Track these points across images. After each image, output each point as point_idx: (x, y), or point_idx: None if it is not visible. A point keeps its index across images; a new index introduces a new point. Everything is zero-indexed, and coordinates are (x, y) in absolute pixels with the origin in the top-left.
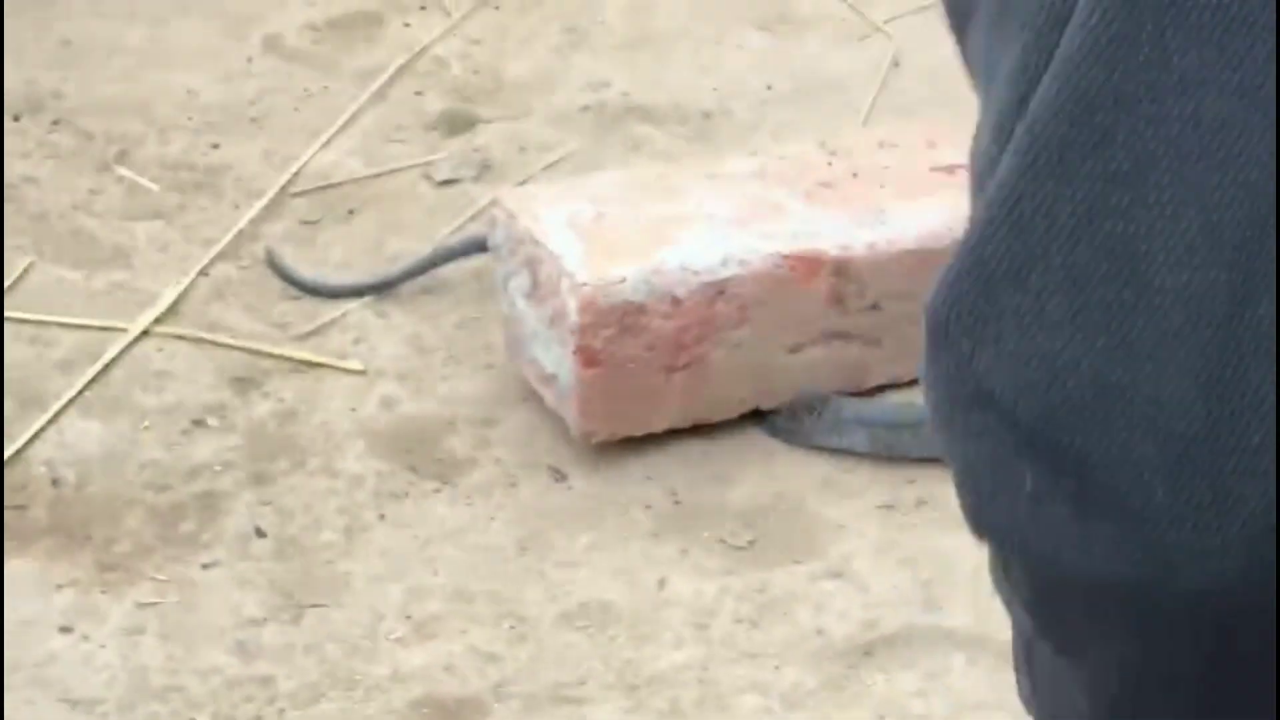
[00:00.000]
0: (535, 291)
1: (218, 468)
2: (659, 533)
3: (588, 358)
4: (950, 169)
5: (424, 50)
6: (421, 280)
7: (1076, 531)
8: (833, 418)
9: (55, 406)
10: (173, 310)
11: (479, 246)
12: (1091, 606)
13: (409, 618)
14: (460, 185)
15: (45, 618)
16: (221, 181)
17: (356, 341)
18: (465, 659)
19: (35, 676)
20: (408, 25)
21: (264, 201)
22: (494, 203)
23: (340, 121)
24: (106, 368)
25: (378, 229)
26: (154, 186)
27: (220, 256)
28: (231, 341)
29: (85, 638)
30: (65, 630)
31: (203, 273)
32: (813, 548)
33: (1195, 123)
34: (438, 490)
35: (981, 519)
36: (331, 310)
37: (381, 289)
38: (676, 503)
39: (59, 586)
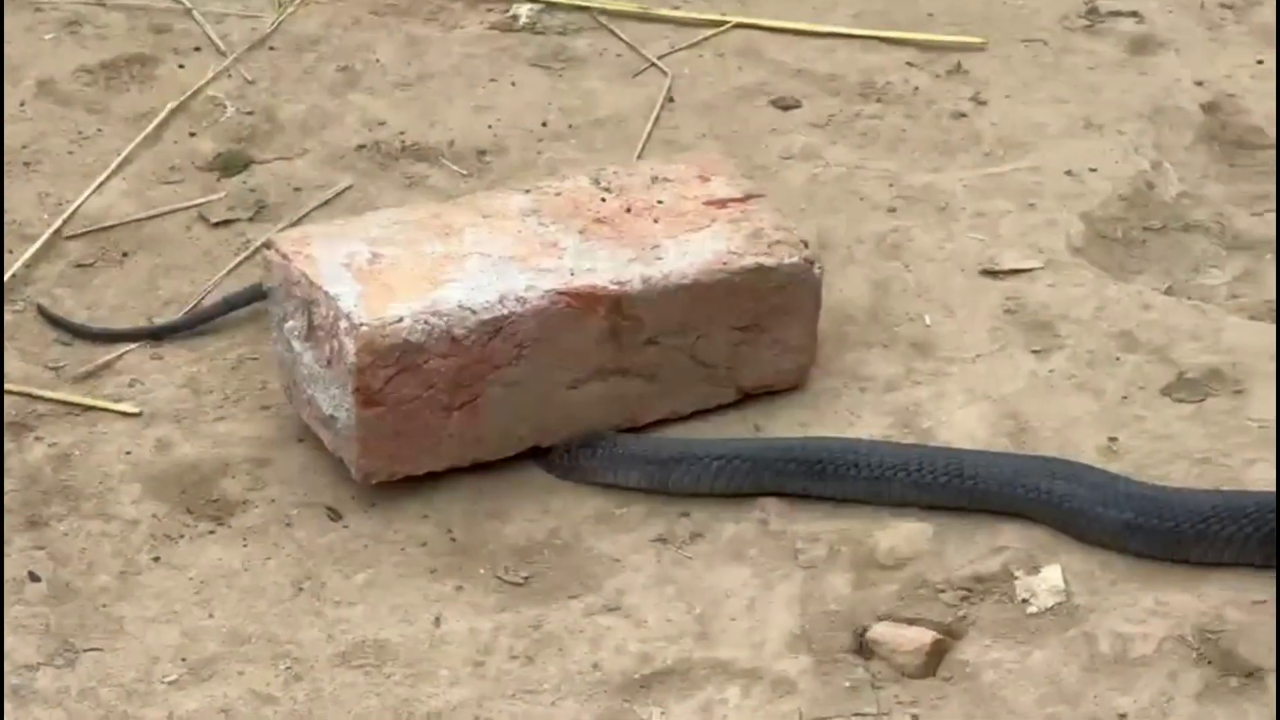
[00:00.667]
0: (312, 333)
1: None
2: (435, 570)
3: (367, 398)
4: (723, 203)
5: (198, 91)
6: None
7: None
8: (608, 454)
9: None
10: None
11: (260, 295)
12: None
13: (184, 660)
14: (236, 225)
15: None
16: None
17: (132, 384)
18: (242, 701)
19: None
20: (182, 67)
21: (37, 245)
22: (268, 245)
23: (114, 164)
24: None
25: (152, 271)
26: None
27: None
28: (4, 386)
29: None
30: None
31: None
32: (588, 583)
33: None
34: (213, 532)
35: None
36: (106, 353)
37: (158, 336)
38: (453, 540)
39: None
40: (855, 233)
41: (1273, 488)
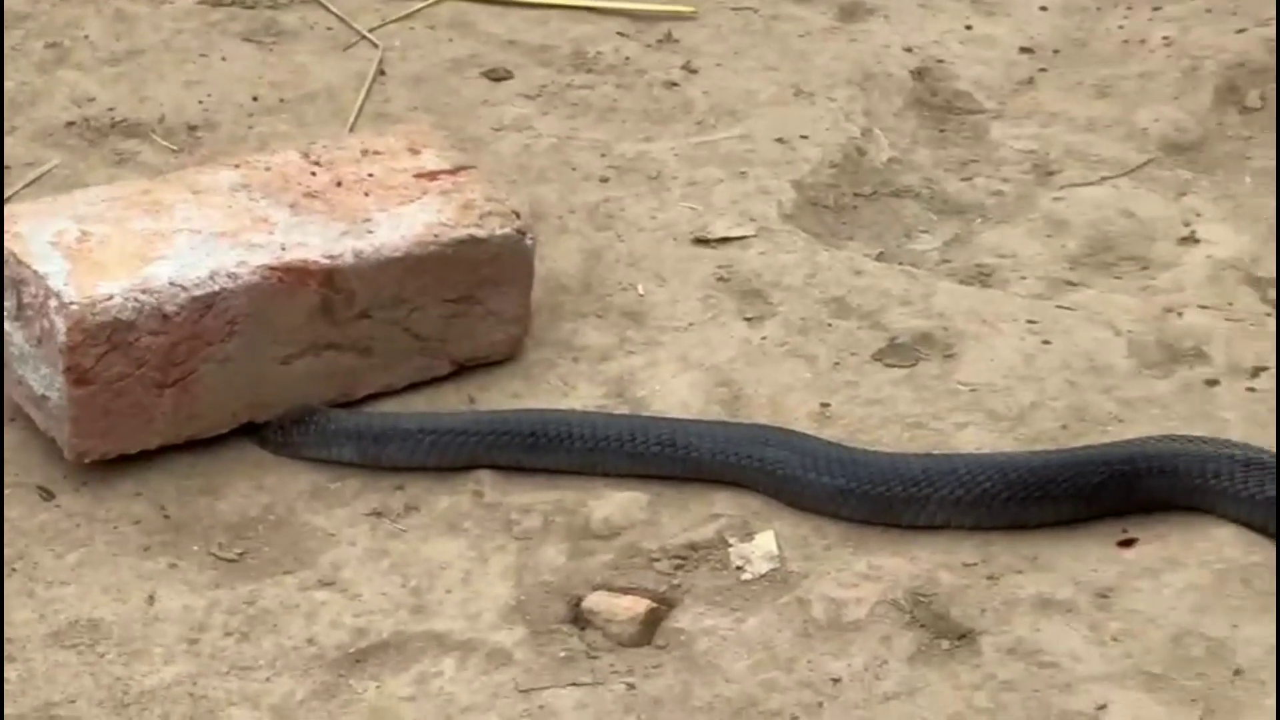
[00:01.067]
0: (21, 313)
1: None
2: (149, 548)
3: (78, 377)
4: (434, 175)
5: None
6: None
7: None
8: (322, 429)
9: None
10: None
11: None
12: None
13: None
14: None
15: None
16: None
17: None
18: None
19: None
20: None
21: None
22: None
23: None
24: None
25: None
26: None
27: None
28: None
29: None
30: None
31: None
32: (303, 558)
33: None
34: None
35: None
36: None
37: None
38: (166, 518)
39: None
40: (568, 203)
41: (983, 449)
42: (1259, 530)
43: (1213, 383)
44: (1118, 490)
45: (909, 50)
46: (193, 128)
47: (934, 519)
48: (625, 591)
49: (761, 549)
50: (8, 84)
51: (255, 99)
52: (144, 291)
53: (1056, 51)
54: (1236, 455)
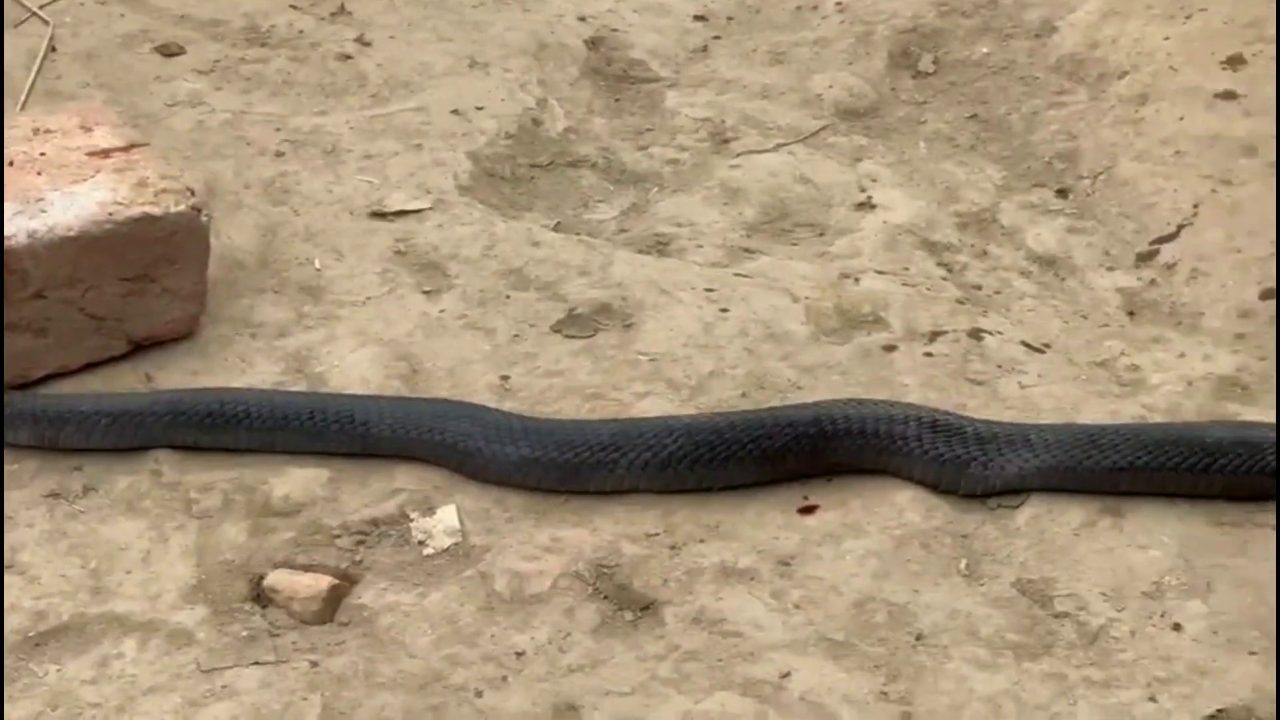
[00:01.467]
0: None
1: None
2: None
3: None
4: (107, 153)
5: None
6: None
7: None
8: None
9: None
10: None
11: None
12: None
13: None
14: None
15: None
16: None
17: None
18: None
19: None
20: None
21: None
22: None
23: None
24: None
25: None
26: None
27: None
28: None
29: None
30: None
31: None
32: None
33: None
34: None
35: None
36: None
37: None
38: None
39: None
40: (243, 178)
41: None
42: (946, 491)
43: (890, 348)
44: (803, 452)
45: (583, 19)
46: None
47: (621, 484)
48: (307, 569)
49: (443, 523)
50: None
51: None
52: None
53: (730, 19)
54: (923, 418)
